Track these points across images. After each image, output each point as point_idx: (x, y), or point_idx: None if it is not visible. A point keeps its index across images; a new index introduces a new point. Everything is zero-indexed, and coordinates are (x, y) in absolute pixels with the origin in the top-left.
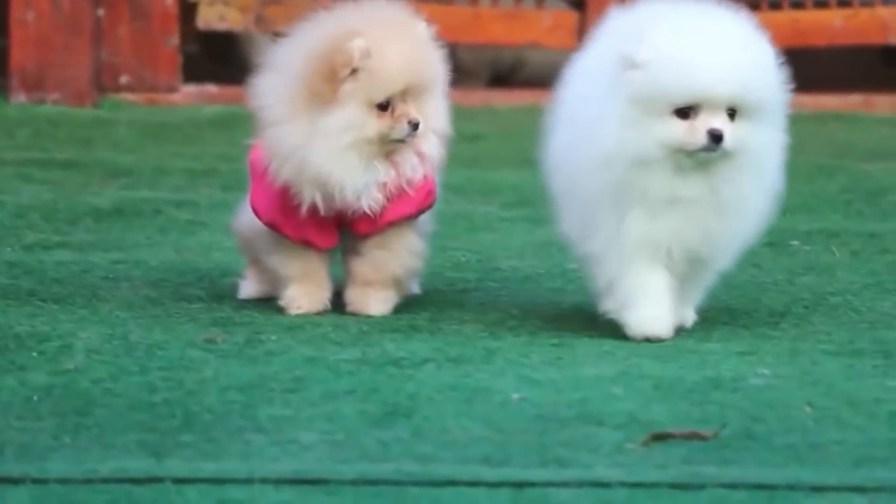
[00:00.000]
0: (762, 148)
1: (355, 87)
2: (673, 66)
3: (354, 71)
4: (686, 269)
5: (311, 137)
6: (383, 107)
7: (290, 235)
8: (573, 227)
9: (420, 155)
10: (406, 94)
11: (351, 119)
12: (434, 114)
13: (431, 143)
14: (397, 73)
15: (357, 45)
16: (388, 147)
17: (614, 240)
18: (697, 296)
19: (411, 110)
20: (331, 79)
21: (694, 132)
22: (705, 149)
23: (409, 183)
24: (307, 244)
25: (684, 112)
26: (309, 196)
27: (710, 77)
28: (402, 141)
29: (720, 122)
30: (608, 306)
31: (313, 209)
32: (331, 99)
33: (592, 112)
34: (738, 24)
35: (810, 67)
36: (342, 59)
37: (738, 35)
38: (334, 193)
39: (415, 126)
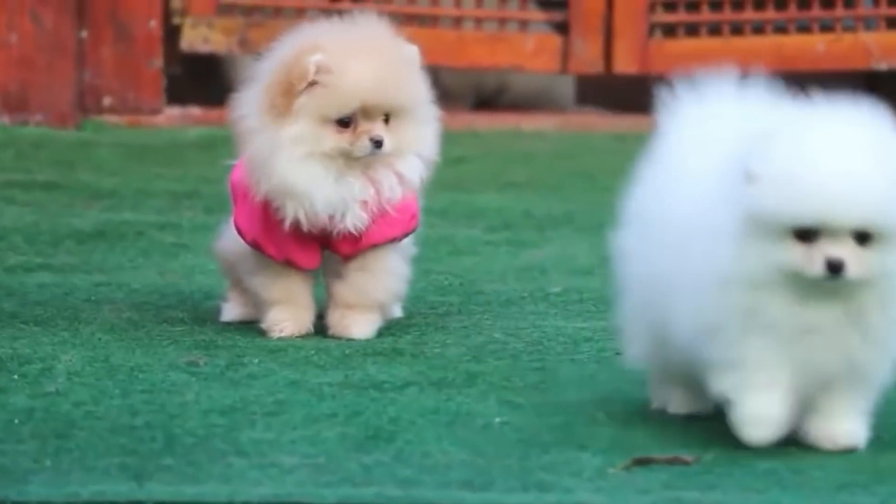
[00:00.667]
0: None
1: (310, 101)
2: (791, 183)
3: (311, 85)
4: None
5: (274, 148)
6: (344, 123)
7: (273, 255)
8: (657, 343)
9: (399, 176)
10: (371, 112)
11: (303, 132)
12: (415, 137)
13: (411, 165)
14: (355, 91)
15: (314, 59)
16: (356, 164)
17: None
18: (857, 407)
19: (375, 128)
20: (287, 92)
21: (811, 259)
22: (825, 279)
23: (388, 203)
24: (290, 264)
25: (805, 235)
26: (291, 211)
27: (831, 198)
28: (368, 157)
29: (842, 249)
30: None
31: (296, 227)
32: (286, 111)
33: (700, 225)
34: (870, 132)
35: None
36: (299, 72)
37: (870, 147)
38: (307, 206)
39: (377, 144)
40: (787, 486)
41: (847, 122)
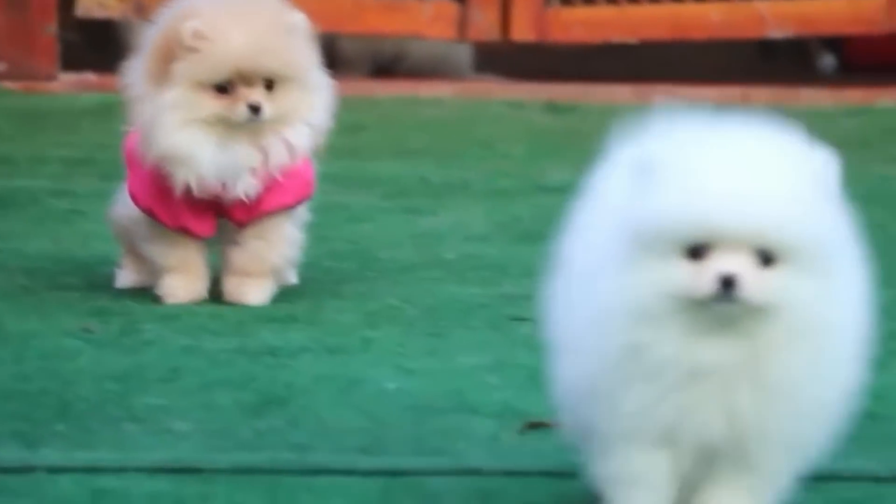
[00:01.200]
0: (822, 309)
1: (185, 67)
2: (680, 191)
3: (187, 50)
4: (710, 464)
5: (156, 115)
6: (222, 89)
7: (167, 223)
8: (567, 395)
9: (287, 143)
10: (249, 78)
11: (179, 98)
12: (301, 104)
13: (299, 133)
14: (229, 56)
15: (190, 25)
16: (242, 131)
17: (611, 416)
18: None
19: (253, 94)
20: (164, 58)
21: (701, 277)
22: (718, 298)
23: (277, 170)
24: (184, 232)
25: (696, 252)
26: (180, 178)
27: (724, 207)
28: (251, 124)
29: (737, 264)
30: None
31: (188, 194)
32: (165, 78)
33: (592, 260)
34: (774, 147)
35: (689, 61)
36: (174, 38)
37: (772, 160)
38: (194, 173)
39: (254, 110)
40: None
41: (750, 135)
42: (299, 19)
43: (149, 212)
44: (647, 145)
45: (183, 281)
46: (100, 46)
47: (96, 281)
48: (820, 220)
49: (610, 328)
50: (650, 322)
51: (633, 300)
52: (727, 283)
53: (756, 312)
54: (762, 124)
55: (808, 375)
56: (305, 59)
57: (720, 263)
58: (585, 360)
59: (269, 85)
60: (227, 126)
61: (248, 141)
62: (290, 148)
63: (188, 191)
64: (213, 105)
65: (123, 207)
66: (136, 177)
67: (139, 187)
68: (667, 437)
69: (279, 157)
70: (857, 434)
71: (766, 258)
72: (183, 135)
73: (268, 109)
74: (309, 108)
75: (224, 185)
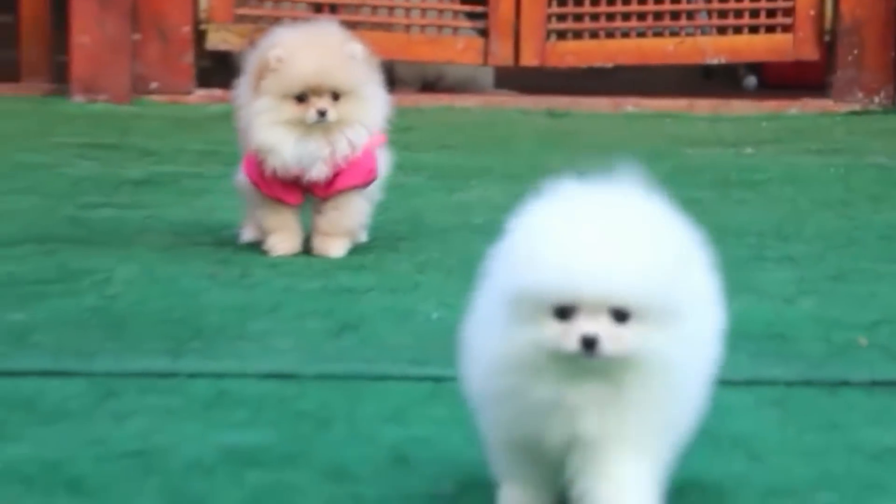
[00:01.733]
0: (671, 353)
1: (271, 82)
2: (546, 260)
3: (272, 71)
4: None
5: (251, 118)
6: (299, 98)
7: (266, 193)
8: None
9: (348, 140)
10: (318, 91)
11: (267, 106)
12: (359, 110)
13: (358, 132)
14: (303, 76)
15: (273, 53)
16: (316, 130)
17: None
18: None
19: (322, 103)
20: (257, 76)
21: (567, 335)
22: (582, 355)
23: (342, 160)
24: (279, 201)
25: (563, 313)
26: (269, 164)
27: (584, 276)
28: (320, 124)
29: (598, 325)
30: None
31: (275, 174)
32: (256, 90)
33: (488, 314)
34: (638, 216)
35: (651, 80)
36: (263, 62)
37: (630, 225)
38: (279, 160)
39: (321, 114)
40: None
41: (611, 201)
42: (357, 48)
43: (254, 185)
44: (523, 218)
45: (282, 238)
46: (224, 70)
47: (220, 239)
48: (669, 282)
49: (497, 372)
50: (528, 370)
51: (513, 354)
52: (588, 343)
53: (615, 361)
54: (632, 194)
55: (659, 405)
56: (361, 77)
57: (582, 325)
58: (479, 390)
59: (336, 96)
60: (303, 126)
61: (320, 138)
62: (351, 143)
63: (275, 173)
64: (292, 110)
65: (242, 179)
66: (247, 160)
67: (248, 168)
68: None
69: (343, 149)
70: (775, 351)
71: (622, 316)
72: (270, 132)
73: (332, 114)
74: (365, 113)
75: (302, 170)
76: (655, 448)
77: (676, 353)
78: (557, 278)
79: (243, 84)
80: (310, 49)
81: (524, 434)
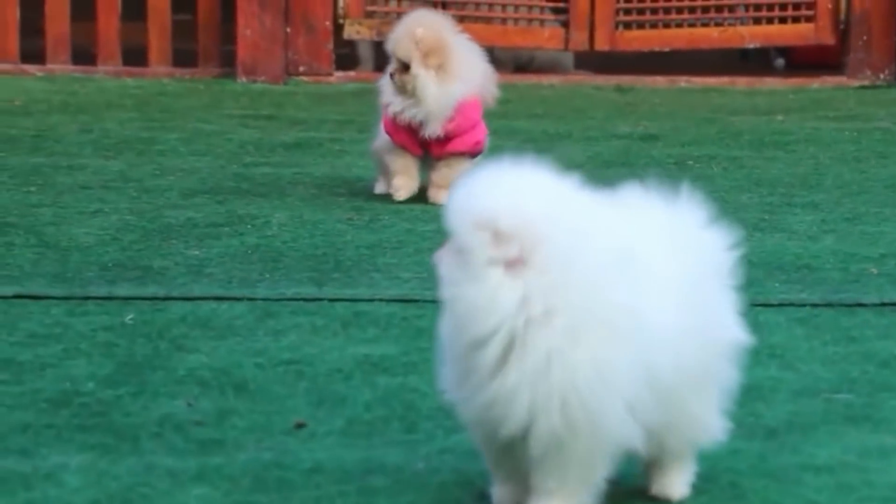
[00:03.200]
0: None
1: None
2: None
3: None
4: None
5: (382, 82)
6: (406, 68)
7: (395, 140)
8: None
9: (458, 106)
10: (395, 61)
11: (390, 71)
12: (420, 83)
13: (463, 101)
14: (388, 50)
15: (418, 32)
16: (402, 91)
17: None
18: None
19: (393, 70)
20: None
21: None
22: None
23: (449, 123)
24: (404, 148)
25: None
26: (389, 112)
27: None
28: (393, 84)
29: None
30: None
31: (400, 125)
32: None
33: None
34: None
35: (699, 61)
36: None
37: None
38: (391, 109)
39: (391, 76)
40: None
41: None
42: (424, 33)
43: (388, 133)
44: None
45: (403, 180)
46: (357, 55)
47: (355, 191)
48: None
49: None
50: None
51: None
52: None
53: None
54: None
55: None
56: (415, 57)
57: None
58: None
59: (406, 67)
60: (397, 88)
61: (408, 97)
62: (460, 109)
63: (399, 122)
64: (404, 78)
65: (377, 140)
66: (386, 117)
67: (385, 121)
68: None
69: (448, 115)
70: (802, 279)
71: None
72: (384, 89)
73: (397, 78)
74: (421, 88)
75: (417, 126)
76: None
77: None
78: None
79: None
80: (400, 26)
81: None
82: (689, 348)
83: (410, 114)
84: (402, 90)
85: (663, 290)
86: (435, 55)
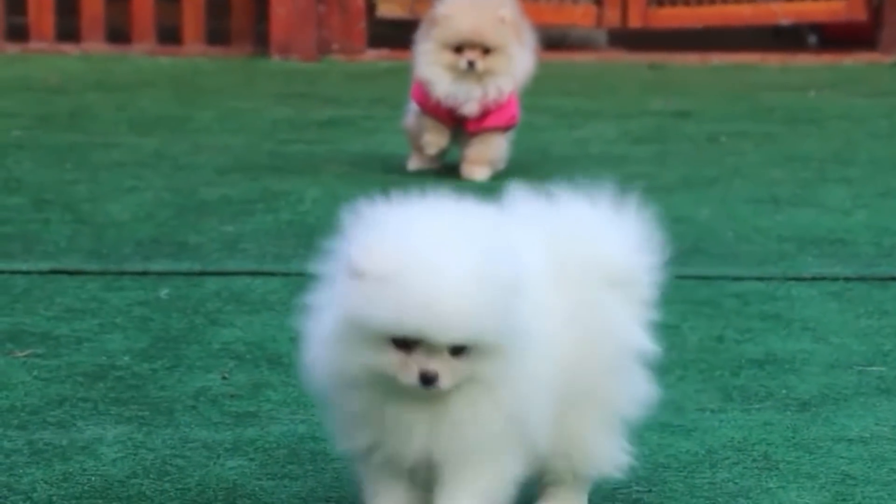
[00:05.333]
0: (497, 380)
1: (436, 33)
2: (388, 297)
3: (437, 25)
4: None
5: (418, 57)
6: (457, 49)
7: (425, 109)
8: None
9: (496, 86)
10: (472, 45)
11: (428, 49)
12: (505, 63)
13: (504, 80)
14: (459, 32)
15: (440, 10)
16: (471, 75)
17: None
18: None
19: (473, 55)
20: (427, 27)
21: (407, 368)
22: (420, 388)
23: (490, 102)
24: (435, 117)
25: (402, 344)
26: (432, 94)
27: (429, 316)
28: (471, 71)
29: (437, 362)
30: None
31: (438, 105)
32: (425, 38)
33: (326, 324)
34: (477, 246)
35: (732, 38)
36: (432, 17)
37: (473, 263)
38: (434, 92)
39: (470, 64)
40: (729, 264)
41: (456, 235)
42: (507, 13)
43: (419, 104)
44: (359, 246)
45: (434, 136)
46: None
47: (388, 167)
48: (504, 318)
49: (333, 386)
50: (350, 387)
51: (342, 370)
52: (427, 380)
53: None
54: (469, 232)
55: (486, 420)
56: (509, 37)
57: (421, 361)
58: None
59: (486, 50)
60: (457, 71)
61: (472, 82)
62: (498, 90)
63: (435, 100)
64: (449, 57)
65: (409, 114)
66: (415, 86)
67: (415, 91)
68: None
69: (491, 94)
70: (835, 253)
71: (459, 350)
72: (429, 69)
73: (479, 65)
74: (510, 67)
75: (455, 105)
76: (496, 463)
77: (509, 378)
78: (406, 314)
79: (420, 33)
80: (469, 11)
81: (361, 445)
82: (576, 366)
83: (469, 104)
84: (476, 76)
85: (548, 308)
86: (523, 31)
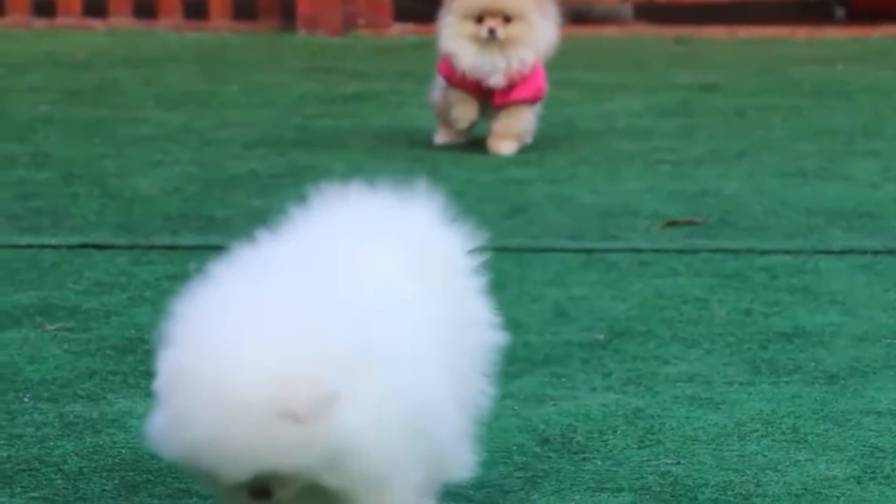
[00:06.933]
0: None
1: (458, 5)
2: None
3: None
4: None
5: (441, 30)
6: (478, 19)
7: (454, 84)
8: None
9: (518, 57)
10: (493, 14)
11: (451, 22)
12: (527, 33)
13: (527, 51)
14: (478, 1)
15: None
16: (493, 45)
17: None
18: None
19: (493, 23)
20: (449, 2)
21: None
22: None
23: (514, 73)
24: (462, 88)
25: None
26: (457, 67)
27: (215, 455)
28: (491, 39)
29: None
30: None
31: (463, 77)
32: (448, 11)
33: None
34: (283, 354)
35: (761, 12)
36: None
37: (272, 381)
38: (458, 65)
39: (491, 32)
40: (756, 236)
41: (263, 332)
42: None
43: (445, 78)
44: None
45: (462, 110)
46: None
47: (414, 142)
48: (322, 438)
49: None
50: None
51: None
52: (257, 494)
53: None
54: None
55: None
56: (530, 5)
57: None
58: None
59: (507, 19)
60: (479, 41)
61: (496, 52)
62: (521, 60)
63: (464, 75)
64: (471, 28)
65: (436, 90)
66: (441, 60)
67: (441, 65)
68: None
69: (514, 64)
70: (863, 226)
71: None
72: (453, 42)
73: (500, 33)
74: (532, 36)
75: (481, 77)
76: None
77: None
78: (184, 452)
79: (444, 7)
80: None
81: None
82: (454, 368)
83: (495, 75)
84: (499, 45)
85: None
86: (544, 3)
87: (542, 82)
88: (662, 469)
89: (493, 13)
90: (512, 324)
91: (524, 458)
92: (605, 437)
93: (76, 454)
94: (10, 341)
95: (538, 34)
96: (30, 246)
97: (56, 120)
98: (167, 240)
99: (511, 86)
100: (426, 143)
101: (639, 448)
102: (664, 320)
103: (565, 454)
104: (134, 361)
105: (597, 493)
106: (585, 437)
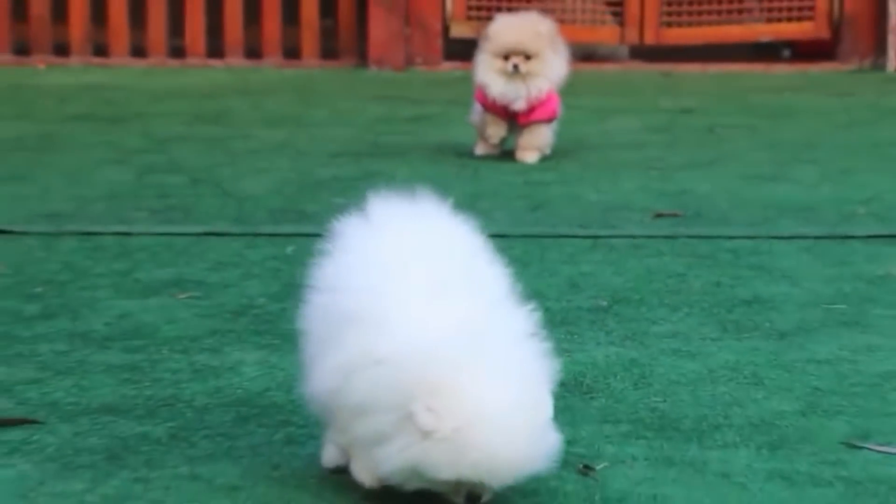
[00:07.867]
0: None
1: (488, 45)
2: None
3: (489, 39)
4: None
5: (476, 66)
6: (505, 57)
7: (488, 108)
8: None
9: (536, 87)
10: (516, 53)
11: (484, 59)
12: (544, 67)
13: (543, 82)
14: (505, 44)
15: (491, 27)
16: (517, 78)
17: None
18: None
19: (517, 61)
20: (482, 41)
21: (457, 494)
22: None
23: (533, 99)
24: (494, 112)
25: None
26: (489, 95)
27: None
28: (515, 74)
29: None
30: None
31: (494, 103)
32: (481, 50)
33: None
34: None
35: (726, 52)
36: (486, 33)
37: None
38: (490, 93)
39: (515, 67)
40: (728, 225)
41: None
42: (543, 27)
43: (480, 103)
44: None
45: (494, 129)
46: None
47: (460, 152)
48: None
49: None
50: None
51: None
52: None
53: None
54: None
55: None
56: (546, 46)
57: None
58: None
59: (528, 57)
60: (507, 74)
61: (520, 83)
62: (538, 88)
63: (492, 101)
64: (500, 64)
65: (474, 114)
66: (478, 90)
67: (478, 94)
68: None
69: (533, 92)
70: (806, 217)
71: None
72: (485, 75)
73: (522, 68)
74: (547, 70)
75: (508, 102)
76: None
77: None
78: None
79: (480, 47)
80: (513, 26)
81: None
82: None
83: (518, 101)
84: (521, 77)
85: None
86: (557, 42)
87: (556, 106)
88: (652, 406)
89: (516, 52)
90: (535, 293)
91: None
92: (607, 381)
93: (202, 393)
94: (152, 307)
95: (552, 68)
96: (167, 234)
97: (186, 137)
98: (270, 229)
99: (531, 109)
100: (469, 153)
101: (634, 389)
102: (653, 290)
103: (577, 394)
104: (246, 322)
105: (601, 424)
106: (592, 380)
